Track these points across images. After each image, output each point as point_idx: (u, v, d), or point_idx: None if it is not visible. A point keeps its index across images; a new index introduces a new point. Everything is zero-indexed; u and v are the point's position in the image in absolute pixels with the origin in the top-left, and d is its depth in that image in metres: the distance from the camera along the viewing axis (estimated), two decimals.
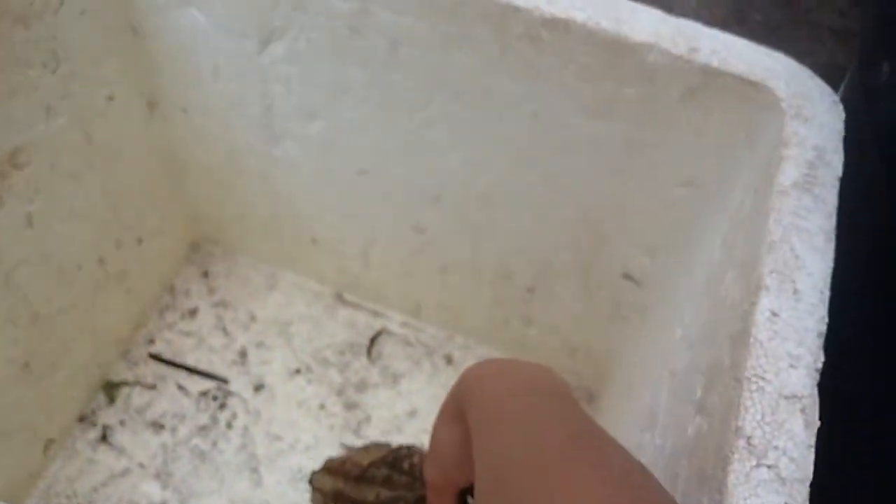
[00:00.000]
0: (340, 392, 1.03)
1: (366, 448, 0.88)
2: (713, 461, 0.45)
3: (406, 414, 1.02)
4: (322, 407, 1.02)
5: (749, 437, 0.43)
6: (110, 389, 0.98)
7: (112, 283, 0.94)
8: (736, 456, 0.43)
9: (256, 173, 0.96)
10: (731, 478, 0.42)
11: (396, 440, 1.00)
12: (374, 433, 1.00)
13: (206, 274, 1.12)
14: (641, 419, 0.70)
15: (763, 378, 0.45)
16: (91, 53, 0.75)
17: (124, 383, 1.00)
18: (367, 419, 1.01)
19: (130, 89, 0.84)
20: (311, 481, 0.85)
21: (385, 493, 0.85)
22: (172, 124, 0.92)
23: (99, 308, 0.93)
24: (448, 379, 1.06)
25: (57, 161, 0.76)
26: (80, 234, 0.84)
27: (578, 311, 0.95)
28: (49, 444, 0.91)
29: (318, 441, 0.98)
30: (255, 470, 0.95)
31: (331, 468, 0.86)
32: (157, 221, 1.00)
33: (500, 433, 0.40)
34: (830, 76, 0.64)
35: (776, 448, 0.43)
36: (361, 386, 1.04)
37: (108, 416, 0.97)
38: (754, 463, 0.43)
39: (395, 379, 1.05)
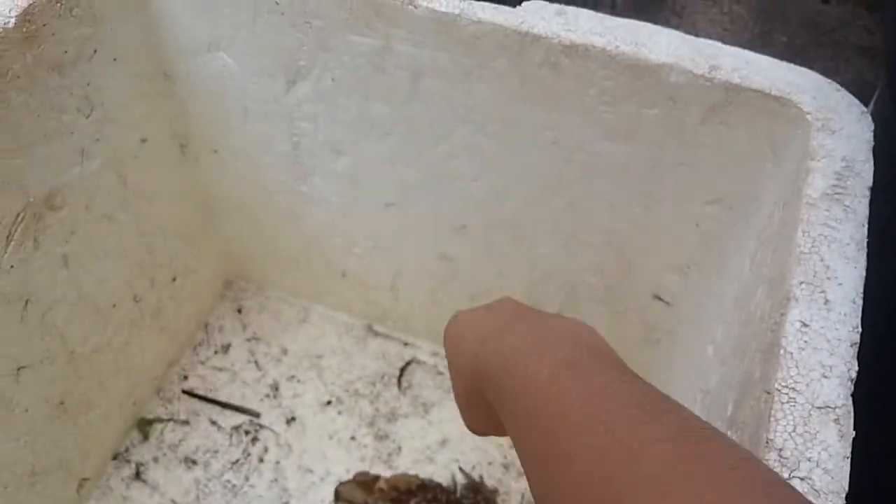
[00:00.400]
0: (371, 423, 1.03)
1: (397, 476, 0.89)
2: None
3: (437, 443, 1.02)
4: (353, 438, 1.02)
5: (780, 450, 0.43)
6: (144, 426, 1.00)
7: (147, 321, 0.96)
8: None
9: (286, 210, 0.98)
10: None
11: (428, 470, 0.99)
12: (405, 464, 0.99)
13: (239, 310, 1.14)
14: None
15: (794, 389, 0.45)
16: (124, 98, 0.78)
17: (158, 420, 1.01)
18: (398, 450, 1.01)
19: (163, 132, 0.87)
20: (337, 492, 0.85)
21: None
22: (204, 165, 0.95)
23: (134, 346, 0.95)
24: None
25: (92, 203, 0.79)
26: (115, 273, 0.87)
27: (608, 334, 0.94)
28: (83, 482, 0.92)
29: (350, 473, 0.97)
30: (286, 503, 0.96)
31: (360, 482, 0.86)
32: (190, 260, 1.02)
33: (561, 437, 0.33)
34: (860, 93, 0.64)
35: (809, 460, 0.42)
36: (392, 416, 1.04)
37: (141, 453, 0.98)
38: (787, 475, 0.42)
39: (425, 408, 1.05)
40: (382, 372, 1.09)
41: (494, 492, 0.97)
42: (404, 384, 1.08)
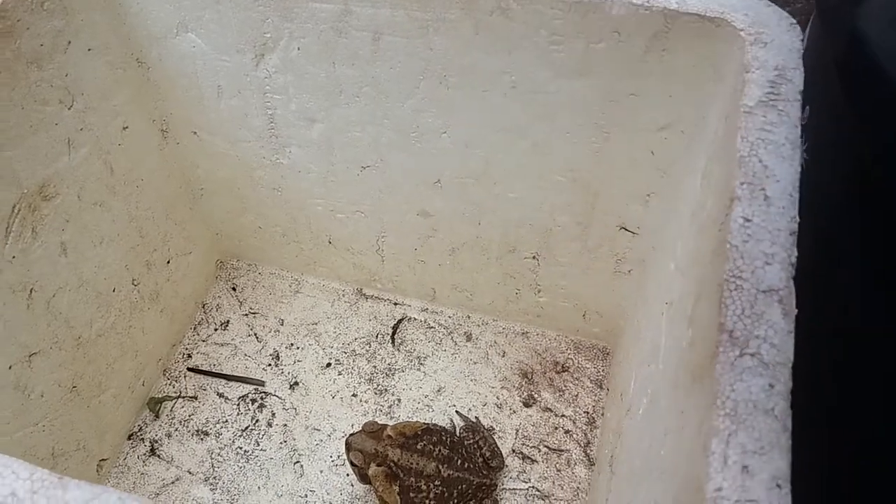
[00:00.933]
0: (370, 379, 1.08)
1: (402, 423, 0.94)
2: (702, 360, 0.50)
3: (434, 392, 1.07)
4: (354, 395, 1.07)
5: (731, 331, 0.48)
6: (154, 405, 1.04)
7: (146, 304, 1.00)
8: (720, 349, 0.47)
9: (267, 184, 1.02)
10: (718, 368, 0.47)
11: (427, 417, 1.05)
12: (405, 413, 1.05)
13: (234, 288, 1.18)
14: (647, 355, 0.75)
15: (740, 277, 0.50)
16: (102, 87, 0.81)
17: (167, 397, 1.06)
18: (398, 401, 1.06)
19: (143, 118, 0.90)
20: (348, 443, 0.90)
21: (447, 471, 0.90)
22: (185, 147, 0.98)
23: (137, 328, 0.99)
24: (469, 354, 1.11)
25: (83, 191, 0.83)
26: (112, 258, 0.91)
27: (583, 270, 0.99)
28: (102, 463, 0.97)
29: (354, 428, 1.03)
30: (297, 462, 1.01)
31: (369, 432, 0.91)
32: (182, 242, 1.06)
33: None
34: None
35: (757, 337, 0.47)
36: (389, 371, 1.09)
37: (154, 431, 1.03)
38: (738, 353, 0.47)
39: (420, 361, 1.10)
40: (376, 331, 1.14)
41: (491, 430, 1.03)
42: (398, 341, 1.13)
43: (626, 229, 0.90)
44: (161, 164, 0.96)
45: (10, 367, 0.77)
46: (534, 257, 1.01)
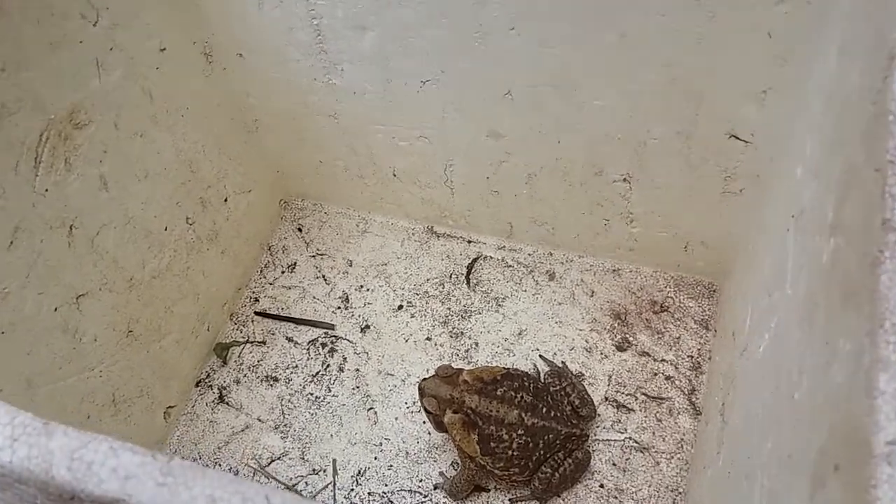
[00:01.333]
0: (445, 322, 0.99)
1: (480, 367, 0.84)
2: (857, 274, 0.37)
3: (514, 335, 0.97)
4: (429, 339, 0.98)
5: None
6: (221, 350, 0.99)
7: (204, 245, 0.94)
8: (887, 254, 0.34)
9: (324, 110, 0.93)
10: (885, 280, 0.34)
11: (508, 362, 0.95)
12: (483, 358, 0.95)
13: (300, 228, 1.11)
14: (769, 283, 0.61)
15: None
16: (130, 2, 0.74)
17: (234, 343, 1.01)
18: (475, 345, 0.97)
19: (181, 38, 0.82)
20: (421, 388, 0.82)
21: (531, 419, 0.80)
22: (232, 72, 0.90)
23: (196, 270, 0.93)
24: (553, 294, 1.00)
25: (119, 119, 0.76)
26: (160, 194, 0.84)
27: (684, 193, 0.85)
28: (169, 410, 0.93)
29: (430, 373, 0.94)
30: (370, 409, 0.94)
31: (444, 377, 0.82)
32: (239, 179, 0.99)
33: None
34: None
35: None
36: (465, 314, 1.00)
37: (222, 377, 0.98)
38: None
39: (498, 302, 1.00)
40: (450, 271, 1.04)
41: (580, 376, 0.92)
42: (473, 281, 1.03)
43: (738, 137, 0.76)
44: (207, 91, 0.89)
45: (55, 310, 0.72)
46: (624, 179, 0.88)
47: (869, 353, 0.32)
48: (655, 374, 0.91)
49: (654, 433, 0.87)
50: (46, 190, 0.69)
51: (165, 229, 0.86)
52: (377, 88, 0.86)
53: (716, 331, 0.92)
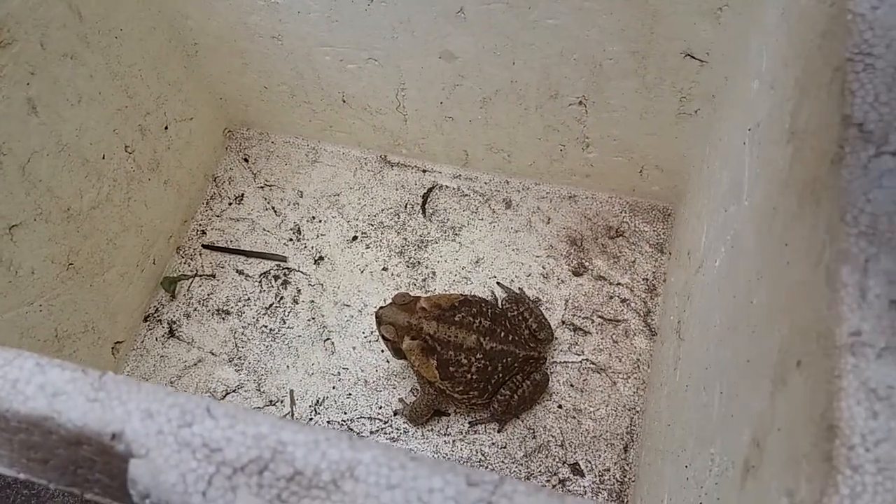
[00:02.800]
0: (401, 252, 0.98)
1: (438, 294, 0.84)
2: (816, 172, 0.37)
3: (471, 263, 0.96)
4: (385, 269, 0.97)
5: (861, 125, 0.34)
6: (169, 284, 0.96)
7: (145, 174, 0.90)
8: (847, 149, 0.34)
9: (266, 31, 0.88)
10: (845, 174, 0.33)
11: (466, 289, 0.95)
12: (441, 286, 0.95)
13: (246, 158, 1.07)
14: (725, 199, 0.61)
15: (870, 54, 0.36)
16: None
17: (183, 277, 0.98)
18: (432, 274, 0.96)
19: None
20: (378, 316, 0.81)
21: (489, 344, 0.80)
22: None
23: (137, 201, 0.89)
24: (509, 222, 0.99)
25: (46, 39, 0.71)
26: (95, 120, 0.80)
27: (640, 115, 0.85)
28: (117, 345, 0.90)
29: (387, 302, 0.93)
30: (327, 339, 0.92)
31: (401, 304, 0.81)
32: (179, 105, 0.94)
33: None
34: None
35: None
36: (422, 244, 0.99)
37: (172, 312, 0.96)
38: (872, 152, 0.34)
39: (454, 231, 0.99)
40: (405, 201, 1.02)
41: (537, 301, 0.92)
42: (429, 211, 1.01)
43: (693, 56, 0.75)
44: (142, 12, 0.83)
45: None
46: (580, 102, 0.86)
47: (829, 248, 0.31)
48: (611, 298, 0.92)
49: (610, 354, 0.88)
50: None
51: (103, 157, 0.82)
52: (322, 7, 0.82)
53: (670, 253, 0.93)
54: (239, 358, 0.92)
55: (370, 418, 0.87)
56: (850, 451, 0.26)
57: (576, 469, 0.82)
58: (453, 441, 0.85)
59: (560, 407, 0.86)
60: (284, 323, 0.94)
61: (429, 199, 1.02)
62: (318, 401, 0.89)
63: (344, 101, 0.97)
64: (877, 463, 0.26)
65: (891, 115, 0.34)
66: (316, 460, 0.28)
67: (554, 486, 0.82)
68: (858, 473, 0.26)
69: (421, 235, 0.99)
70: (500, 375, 0.82)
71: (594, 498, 0.81)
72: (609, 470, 0.82)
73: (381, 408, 0.88)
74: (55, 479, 0.36)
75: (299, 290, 0.97)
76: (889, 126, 0.34)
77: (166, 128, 0.92)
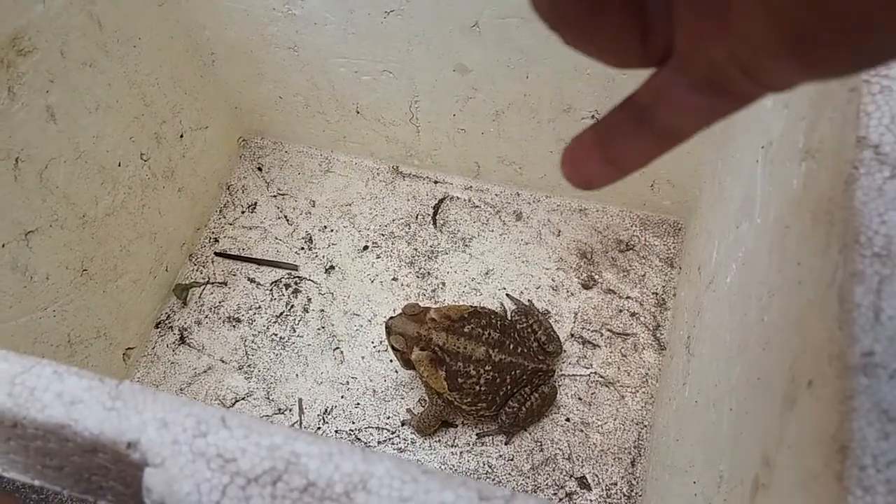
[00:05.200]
0: (411, 262, 0.98)
1: (448, 305, 0.84)
2: (830, 192, 0.37)
3: (481, 275, 0.97)
4: (395, 279, 0.97)
5: (877, 146, 0.34)
6: (181, 291, 0.97)
7: (160, 182, 0.91)
8: (861, 170, 0.34)
9: (283, 42, 0.89)
10: (860, 196, 0.34)
11: (475, 301, 0.95)
12: (451, 297, 0.95)
13: (259, 168, 1.08)
14: (736, 216, 0.61)
15: (887, 76, 0.36)
16: None
17: (195, 284, 0.98)
18: (442, 285, 0.96)
19: None
20: (388, 326, 0.81)
21: (498, 356, 0.81)
22: (187, 2, 0.86)
23: (152, 209, 0.90)
24: (519, 234, 0.99)
25: (66, 47, 0.72)
26: (112, 128, 0.81)
27: None
28: (128, 352, 0.91)
29: (396, 312, 0.94)
30: (336, 348, 0.93)
31: (411, 315, 0.82)
32: (195, 114, 0.95)
33: None
34: None
35: None
36: (432, 254, 0.99)
37: (183, 318, 0.96)
38: (887, 174, 0.34)
39: (465, 242, 1.00)
40: (416, 212, 1.03)
41: (546, 313, 0.92)
42: (440, 221, 1.02)
43: None
44: (161, 22, 0.84)
45: (2, 246, 0.69)
46: (593, 117, 0.87)
47: (842, 268, 0.32)
48: (620, 311, 0.92)
49: (619, 368, 0.88)
50: None
51: (119, 165, 0.83)
52: (339, 19, 0.83)
53: (680, 268, 0.93)
54: (249, 366, 0.92)
55: (378, 428, 0.87)
56: (862, 472, 0.26)
57: (583, 483, 0.82)
58: (460, 452, 0.85)
59: (568, 420, 0.86)
60: (294, 331, 0.95)
61: (440, 210, 1.03)
62: (326, 410, 0.89)
63: (358, 112, 0.98)
64: (888, 484, 0.26)
65: None
66: (329, 472, 0.29)
67: (561, 500, 0.81)
68: (870, 494, 0.26)
69: (431, 246, 1.00)
70: (509, 387, 0.82)
71: None
72: (616, 484, 0.82)
73: (388, 418, 0.88)
74: (69, 486, 0.36)
75: (310, 299, 0.97)
76: None
77: (182, 136, 0.93)
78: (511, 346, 0.82)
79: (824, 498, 0.27)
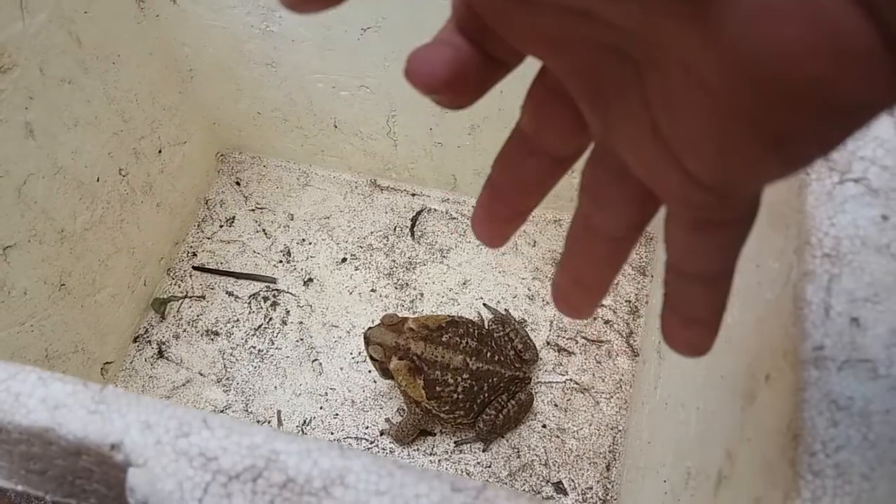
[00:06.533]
0: (390, 274, 1.00)
1: (425, 315, 0.85)
2: (786, 197, 0.39)
3: (458, 285, 0.98)
4: (373, 290, 0.98)
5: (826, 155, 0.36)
6: (159, 305, 0.97)
7: (139, 197, 0.91)
8: (813, 176, 0.36)
9: (261, 59, 0.90)
10: (811, 200, 0.36)
11: (453, 311, 0.96)
12: (429, 308, 0.96)
13: (238, 182, 1.09)
14: None
15: None
16: None
17: (173, 298, 0.99)
18: (420, 296, 0.97)
19: None
20: (366, 336, 0.82)
21: (476, 364, 0.82)
22: (165, 20, 0.87)
23: (130, 223, 0.91)
24: None
25: (45, 64, 0.73)
26: (91, 144, 0.81)
27: None
28: (106, 366, 0.91)
29: (375, 323, 0.95)
30: (315, 360, 0.94)
31: (389, 325, 0.83)
32: (174, 130, 0.96)
33: None
34: None
35: (863, 158, 0.36)
36: (410, 265, 1.00)
37: (161, 332, 0.97)
38: (836, 180, 0.36)
39: (442, 254, 1.01)
40: (394, 224, 1.04)
41: (522, 322, 0.94)
42: (418, 233, 1.03)
43: None
44: (139, 39, 0.85)
45: None
46: None
47: (797, 268, 0.33)
48: (595, 319, 0.94)
49: (593, 375, 0.90)
50: None
51: (97, 180, 0.84)
52: (316, 36, 0.85)
53: (652, 276, 0.95)
54: (227, 378, 0.93)
55: (357, 438, 0.88)
56: (812, 458, 0.28)
57: (559, 487, 0.83)
58: (439, 460, 0.86)
59: (544, 426, 0.87)
60: (273, 344, 0.95)
61: (417, 223, 1.04)
62: (305, 421, 0.89)
63: (336, 127, 0.99)
64: (836, 468, 0.27)
65: (854, 146, 0.37)
66: (308, 468, 0.30)
67: None
68: (819, 478, 0.27)
69: (409, 258, 1.01)
70: (486, 395, 0.83)
71: None
72: (592, 488, 0.83)
73: (367, 428, 0.89)
74: (52, 489, 0.37)
75: (288, 312, 0.98)
76: (852, 155, 0.36)
77: (160, 151, 0.94)
78: (488, 355, 0.84)
79: (779, 483, 0.29)
